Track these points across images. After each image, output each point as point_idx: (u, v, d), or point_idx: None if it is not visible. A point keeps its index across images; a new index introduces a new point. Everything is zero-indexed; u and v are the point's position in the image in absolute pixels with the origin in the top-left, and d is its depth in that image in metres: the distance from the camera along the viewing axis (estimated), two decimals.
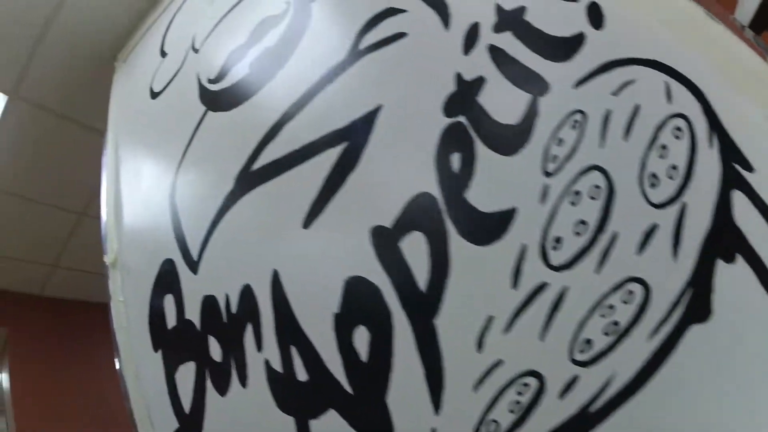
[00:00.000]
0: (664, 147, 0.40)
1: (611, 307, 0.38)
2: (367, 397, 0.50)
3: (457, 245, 0.48)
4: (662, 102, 0.42)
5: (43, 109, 1.56)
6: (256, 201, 0.66)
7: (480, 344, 0.43)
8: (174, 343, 0.70)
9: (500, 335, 0.42)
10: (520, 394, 0.40)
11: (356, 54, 0.66)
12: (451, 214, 0.50)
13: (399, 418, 0.46)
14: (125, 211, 0.92)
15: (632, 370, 0.35)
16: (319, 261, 0.59)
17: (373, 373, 0.49)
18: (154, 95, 1.01)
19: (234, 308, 0.62)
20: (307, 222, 0.60)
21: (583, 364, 0.37)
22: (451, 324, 0.45)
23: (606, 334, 0.37)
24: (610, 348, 0.37)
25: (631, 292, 0.37)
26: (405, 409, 0.46)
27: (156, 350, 0.72)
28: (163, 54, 1.09)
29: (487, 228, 0.47)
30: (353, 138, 0.60)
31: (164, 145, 0.87)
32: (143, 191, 0.89)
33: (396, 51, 0.63)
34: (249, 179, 0.67)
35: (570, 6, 0.51)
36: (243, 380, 0.59)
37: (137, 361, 0.76)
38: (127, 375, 0.76)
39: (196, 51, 0.96)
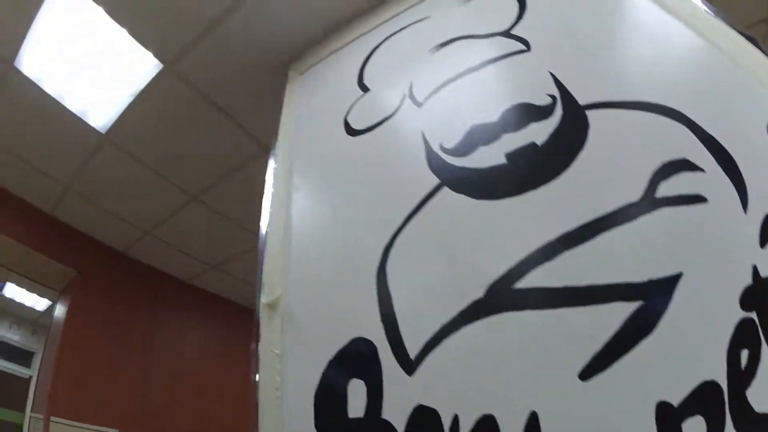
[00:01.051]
0: None
1: None
2: None
3: None
4: None
5: (193, 89, 1.57)
6: (515, 325, 0.58)
7: None
8: None
9: None
10: None
11: (652, 201, 0.61)
12: (731, 408, 0.51)
13: None
14: (297, 249, 0.85)
15: None
16: (593, 420, 0.52)
17: None
18: (353, 132, 0.97)
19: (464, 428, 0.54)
20: (586, 374, 0.52)
21: None
22: None
23: None
24: None
25: None
26: None
27: (320, 430, 0.63)
28: (363, 88, 1.06)
29: (759, 429, 0.49)
30: (651, 300, 0.55)
31: (372, 200, 0.82)
32: (331, 239, 0.83)
33: (696, 216, 0.60)
34: (507, 297, 0.60)
35: None
36: None
37: (287, 426, 0.68)
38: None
39: (417, 103, 0.92)
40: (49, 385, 2.27)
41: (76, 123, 1.75)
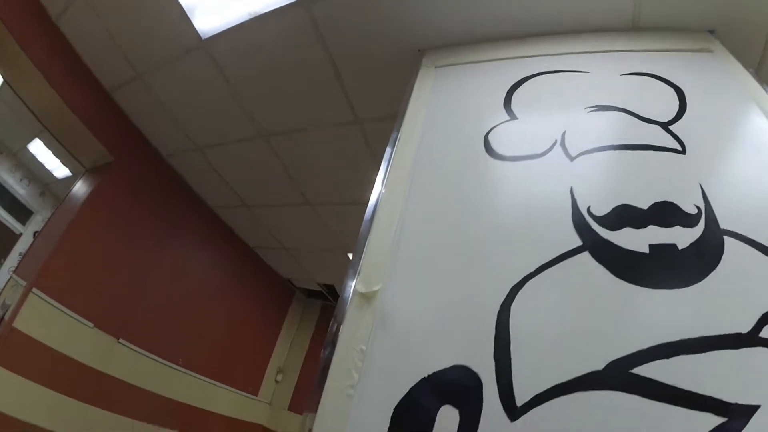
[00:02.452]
0: None
1: None
2: None
3: None
4: None
5: (318, 36, 1.55)
6: (623, 405, 0.61)
7: None
8: None
9: None
10: None
11: (756, 339, 0.66)
12: None
13: None
14: (406, 249, 0.86)
15: None
16: None
17: None
18: (494, 154, 0.98)
19: None
20: None
21: None
22: None
23: None
24: None
25: None
26: None
27: None
28: (510, 113, 1.07)
29: None
30: (734, 420, 0.60)
31: (508, 234, 0.83)
32: (452, 256, 0.83)
33: None
34: (623, 378, 0.63)
35: None
36: None
37: (351, 426, 0.69)
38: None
39: (568, 155, 0.93)
40: (46, 256, 2.27)
41: (179, 17, 1.70)
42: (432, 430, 0.65)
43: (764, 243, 0.75)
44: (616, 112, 1.00)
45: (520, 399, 0.64)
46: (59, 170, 3.72)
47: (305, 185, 2.47)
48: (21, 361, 2.14)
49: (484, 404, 0.65)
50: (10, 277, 2.51)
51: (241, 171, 2.54)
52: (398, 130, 1.13)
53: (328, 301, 4.54)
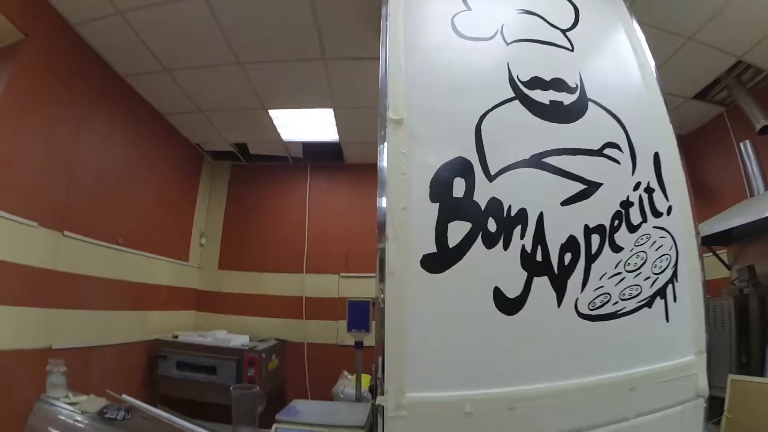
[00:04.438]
0: None
1: None
2: (562, 277, 1.22)
3: None
4: None
5: None
6: (538, 177, 1.31)
7: None
8: (456, 207, 1.22)
9: None
10: None
11: (600, 152, 1.42)
12: None
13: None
14: (412, 92, 1.35)
15: None
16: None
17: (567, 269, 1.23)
18: (458, 33, 1.48)
19: (513, 214, 1.24)
20: (564, 203, 1.30)
21: None
22: None
23: None
24: None
25: None
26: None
27: (433, 202, 1.22)
28: (466, 5, 1.57)
29: None
30: (589, 187, 1.35)
31: (472, 85, 1.39)
32: (444, 93, 1.35)
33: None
34: (539, 162, 1.32)
35: None
36: (506, 246, 1.21)
37: (405, 201, 1.22)
38: (393, 207, 1.21)
39: (505, 41, 1.51)
40: None
41: None
42: (451, 191, 1.24)
43: (607, 106, 1.50)
44: (534, 17, 1.60)
45: (493, 170, 1.28)
46: None
47: (237, 42, 2.53)
48: None
49: (475, 175, 1.27)
50: None
51: (166, 31, 2.41)
52: (386, 6, 1.51)
53: (238, 161, 4.66)
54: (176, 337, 3.69)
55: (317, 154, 4.63)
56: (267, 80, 3.02)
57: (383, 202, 1.22)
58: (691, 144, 4.02)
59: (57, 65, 2.49)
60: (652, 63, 1.71)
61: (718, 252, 3.61)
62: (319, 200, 4.82)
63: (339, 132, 3.98)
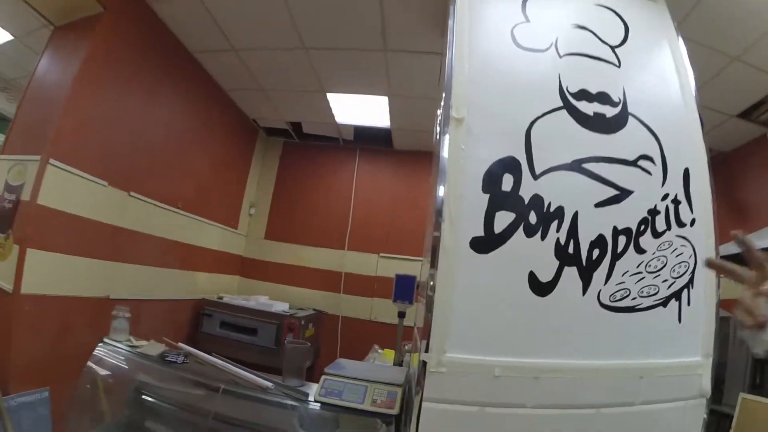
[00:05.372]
0: None
1: None
2: (589, 270, 1.42)
3: None
4: None
5: None
6: (577, 180, 1.50)
7: None
8: (503, 199, 1.42)
9: None
10: None
11: (635, 163, 1.61)
12: None
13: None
14: (474, 93, 1.55)
15: None
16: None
17: (594, 263, 1.43)
18: (518, 45, 1.67)
19: (552, 210, 1.44)
20: (598, 204, 1.49)
21: None
22: None
23: None
24: None
25: None
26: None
27: (484, 192, 1.44)
28: (525, 17, 1.75)
29: None
30: (622, 193, 1.54)
31: (526, 91, 1.58)
32: (502, 94, 1.56)
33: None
34: (579, 167, 1.51)
35: None
36: (543, 237, 1.41)
37: (461, 189, 1.43)
38: (450, 194, 1.43)
39: (558, 54, 1.69)
40: (55, 123, 2.26)
41: None
42: (501, 184, 1.45)
43: (645, 121, 1.67)
44: (587, 32, 1.77)
45: (538, 171, 1.48)
46: None
47: (305, 29, 2.77)
48: (52, 237, 2.31)
49: (522, 173, 1.47)
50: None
51: (238, 12, 2.66)
52: (453, 10, 1.71)
53: (290, 138, 4.98)
54: (221, 298, 4.02)
55: (367, 138, 4.88)
56: (329, 65, 3.27)
57: (441, 191, 1.44)
58: (733, 160, 4.11)
59: (131, 38, 2.75)
60: (692, 83, 1.87)
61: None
62: (365, 182, 5.13)
63: (391, 118, 4.22)
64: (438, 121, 1.56)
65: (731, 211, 4.10)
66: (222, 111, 4.13)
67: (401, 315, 3.11)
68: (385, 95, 3.71)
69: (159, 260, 3.30)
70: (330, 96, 3.86)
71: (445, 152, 1.47)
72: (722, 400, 3.39)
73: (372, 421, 1.66)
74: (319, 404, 1.69)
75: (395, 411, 1.61)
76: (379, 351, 3.03)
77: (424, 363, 1.34)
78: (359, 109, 4.13)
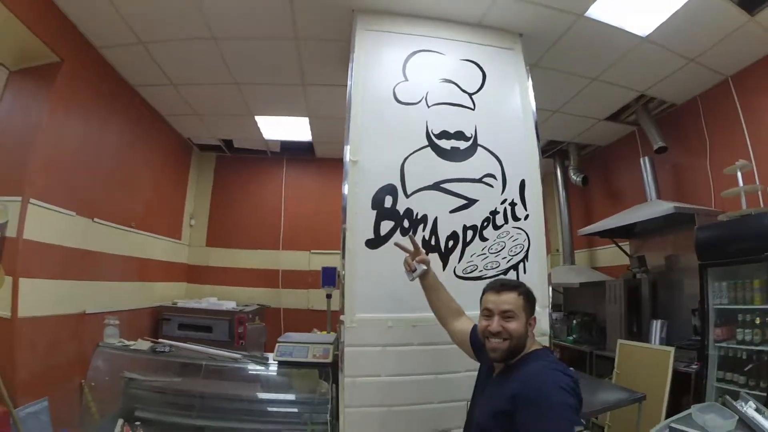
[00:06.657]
0: None
1: None
2: (446, 254, 2.26)
3: None
4: None
5: None
6: (437, 198, 2.33)
7: None
8: (386, 213, 2.21)
9: None
10: None
11: (480, 180, 2.46)
12: None
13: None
14: (364, 140, 2.32)
15: None
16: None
17: (450, 250, 2.27)
18: (397, 99, 2.45)
19: (419, 217, 2.26)
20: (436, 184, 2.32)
21: None
22: None
23: None
24: None
25: None
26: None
27: (373, 209, 2.22)
28: (405, 76, 2.53)
29: None
30: (469, 202, 2.39)
31: (399, 138, 2.38)
32: (382, 139, 2.34)
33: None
34: (439, 186, 2.33)
35: None
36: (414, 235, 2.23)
37: (357, 208, 2.22)
38: (350, 211, 2.21)
39: (428, 106, 2.49)
40: (29, 164, 2.65)
41: None
42: (384, 203, 2.25)
43: (490, 149, 2.50)
44: (451, 84, 2.58)
45: (409, 191, 2.28)
46: None
47: (235, 68, 3.54)
48: (36, 266, 2.66)
49: (398, 194, 2.27)
50: None
51: (177, 55, 3.35)
52: (351, 70, 2.47)
53: (222, 153, 5.77)
54: (175, 303, 4.60)
55: (292, 149, 5.61)
56: (257, 95, 4.04)
57: (346, 202, 2.22)
58: (609, 153, 5.13)
59: (86, 83, 3.16)
60: (534, 112, 2.68)
61: (620, 244, 4.70)
62: (293, 188, 5.85)
63: (312, 133, 5.02)
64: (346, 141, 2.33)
65: (607, 195, 5.14)
66: (160, 134, 4.64)
67: (329, 296, 4.15)
68: (305, 116, 4.51)
69: (121, 275, 3.78)
70: (257, 118, 4.59)
71: (345, 187, 2.24)
72: (606, 347, 4.33)
73: (314, 372, 2.45)
74: (276, 362, 2.46)
75: (329, 359, 2.41)
76: (318, 332, 3.82)
77: (342, 321, 2.12)
78: (284, 128, 4.87)
